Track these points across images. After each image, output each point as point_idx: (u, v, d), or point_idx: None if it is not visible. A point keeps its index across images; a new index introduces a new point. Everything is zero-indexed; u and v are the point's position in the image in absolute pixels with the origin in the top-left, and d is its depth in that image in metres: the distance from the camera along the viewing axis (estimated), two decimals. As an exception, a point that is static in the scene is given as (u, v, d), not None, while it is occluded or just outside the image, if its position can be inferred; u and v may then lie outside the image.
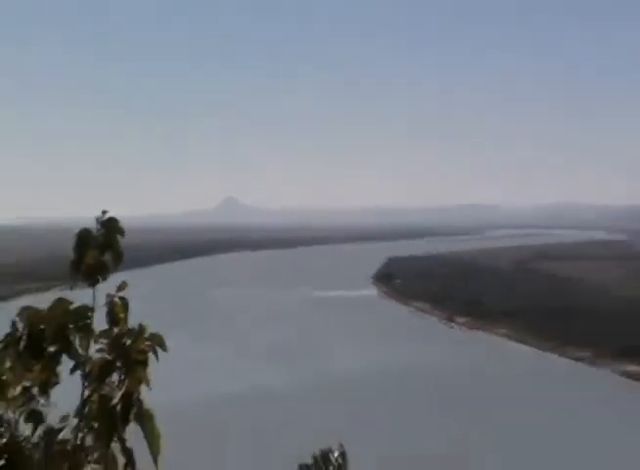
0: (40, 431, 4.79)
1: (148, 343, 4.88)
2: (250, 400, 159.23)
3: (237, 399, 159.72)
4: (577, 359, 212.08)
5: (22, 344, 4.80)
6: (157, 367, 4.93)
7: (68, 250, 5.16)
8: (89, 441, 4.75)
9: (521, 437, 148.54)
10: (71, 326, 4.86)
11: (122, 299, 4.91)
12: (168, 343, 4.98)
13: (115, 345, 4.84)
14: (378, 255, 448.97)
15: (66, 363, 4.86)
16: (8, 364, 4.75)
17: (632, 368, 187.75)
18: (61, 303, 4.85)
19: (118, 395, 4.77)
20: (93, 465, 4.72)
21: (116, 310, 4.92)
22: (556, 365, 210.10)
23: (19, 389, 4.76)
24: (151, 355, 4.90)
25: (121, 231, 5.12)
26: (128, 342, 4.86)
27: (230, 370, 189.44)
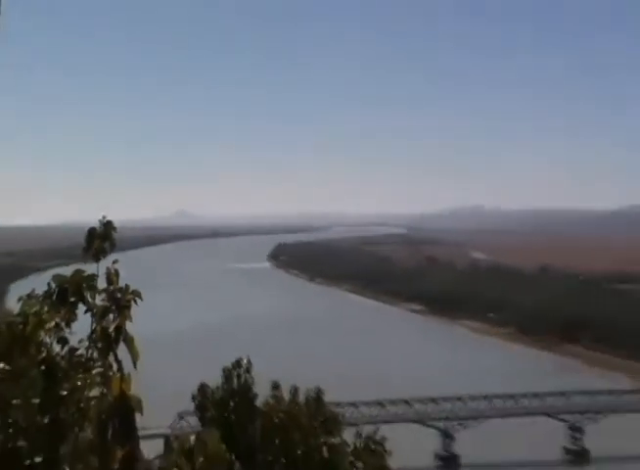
0: (66, 349, 4.89)
1: (130, 295, 5.01)
2: (191, 327, 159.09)
3: (183, 326, 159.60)
4: (384, 302, 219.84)
5: (54, 296, 4.93)
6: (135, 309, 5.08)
7: (77, 241, 5.39)
8: (96, 355, 4.84)
9: (345, 334, 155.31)
10: (84, 286, 4.99)
11: (115, 269, 5.03)
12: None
13: (111, 297, 4.95)
14: (271, 242, 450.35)
15: (81, 308, 4.96)
16: (45, 308, 4.84)
17: (414, 307, 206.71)
18: (78, 271, 5.01)
19: (113, 326, 4.88)
20: (97, 369, 4.79)
21: (111, 276, 5.05)
22: (373, 305, 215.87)
23: (52, 323, 4.85)
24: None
25: (114, 228, 5.34)
26: (119, 295, 4.98)
27: (178, 309, 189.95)
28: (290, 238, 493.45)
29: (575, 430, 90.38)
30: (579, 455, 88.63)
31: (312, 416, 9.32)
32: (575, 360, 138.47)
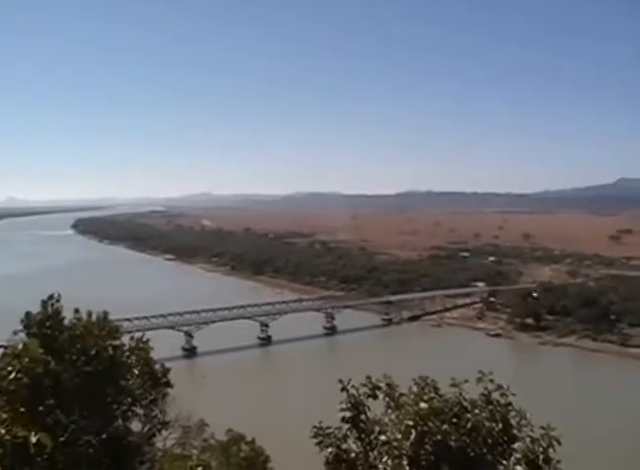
0: None
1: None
2: (20, 272, 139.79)
3: (15, 271, 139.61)
4: (149, 254, 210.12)
5: None
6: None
7: None
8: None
9: (122, 272, 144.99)
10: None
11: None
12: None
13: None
14: (74, 217, 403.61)
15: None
16: None
17: (168, 256, 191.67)
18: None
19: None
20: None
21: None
22: (141, 256, 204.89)
23: None
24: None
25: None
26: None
27: (9, 262, 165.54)
28: (87, 214, 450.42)
29: (264, 325, 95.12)
30: (266, 340, 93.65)
31: (101, 328, 9.16)
32: (262, 284, 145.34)
